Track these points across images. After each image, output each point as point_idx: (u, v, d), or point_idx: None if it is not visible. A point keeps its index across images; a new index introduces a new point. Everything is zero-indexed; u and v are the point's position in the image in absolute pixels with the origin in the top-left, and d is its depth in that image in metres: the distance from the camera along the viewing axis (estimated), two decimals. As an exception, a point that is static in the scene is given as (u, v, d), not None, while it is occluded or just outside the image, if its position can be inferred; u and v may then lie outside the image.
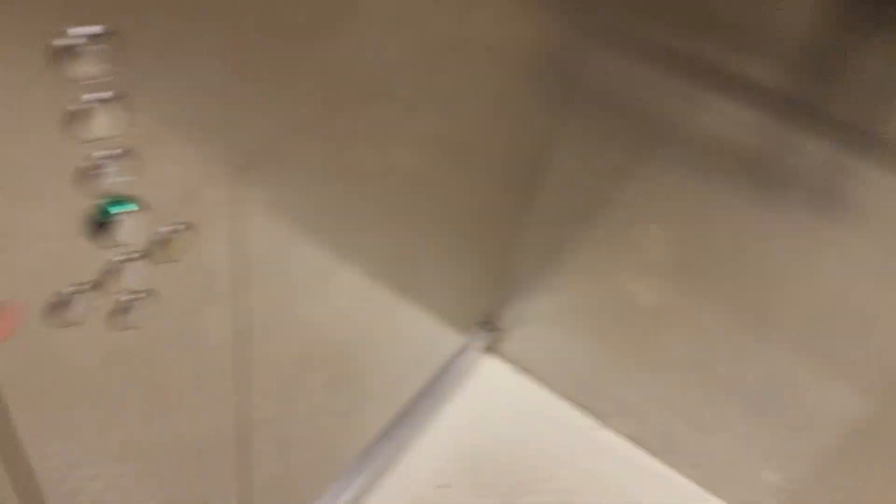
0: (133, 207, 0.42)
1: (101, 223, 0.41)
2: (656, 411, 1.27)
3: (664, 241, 1.08)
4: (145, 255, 0.45)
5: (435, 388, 1.22)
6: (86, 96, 0.35)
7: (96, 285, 0.43)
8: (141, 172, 0.41)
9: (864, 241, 0.91)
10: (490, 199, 1.02)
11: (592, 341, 1.27)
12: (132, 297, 0.47)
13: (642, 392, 1.26)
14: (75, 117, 0.35)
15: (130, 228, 0.42)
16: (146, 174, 0.42)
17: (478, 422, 1.31)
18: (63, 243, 0.40)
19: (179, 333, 0.54)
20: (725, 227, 1.02)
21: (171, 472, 0.65)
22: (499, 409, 1.35)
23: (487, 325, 1.38)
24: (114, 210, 0.41)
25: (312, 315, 0.72)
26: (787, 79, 0.89)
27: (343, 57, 0.54)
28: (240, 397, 0.67)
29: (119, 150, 0.39)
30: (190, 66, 0.41)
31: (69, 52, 0.33)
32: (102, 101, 0.36)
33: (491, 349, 1.42)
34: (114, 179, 0.40)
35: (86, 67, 0.34)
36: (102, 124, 0.37)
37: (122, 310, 0.47)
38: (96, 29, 0.34)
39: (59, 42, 0.32)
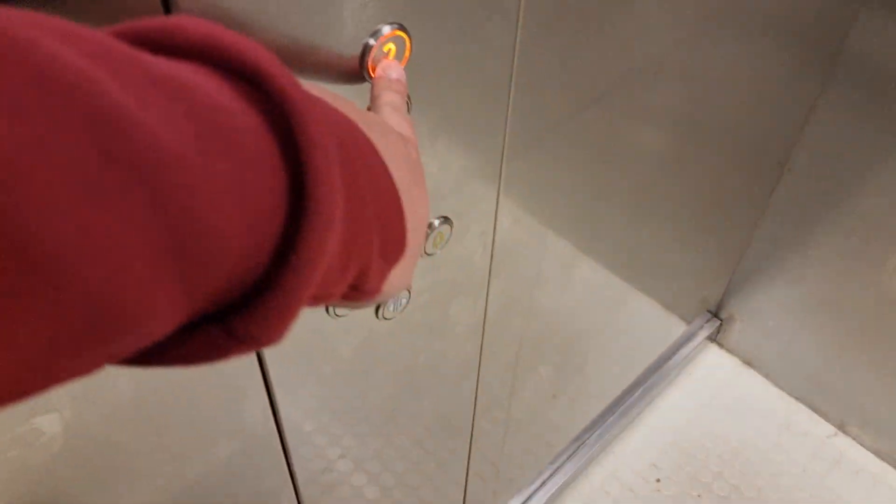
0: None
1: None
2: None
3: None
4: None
5: (654, 376, 1.16)
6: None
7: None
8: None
9: None
10: (730, 181, 0.93)
11: (837, 339, 1.14)
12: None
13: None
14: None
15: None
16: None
17: (696, 415, 1.23)
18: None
19: (430, 323, 0.54)
20: None
21: (409, 446, 0.66)
22: (720, 403, 1.26)
23: (713, 314, 1.28)
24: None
25: (550, 305, 0.70)
26: None
27: (625, 36, 0.50)
28: (476, 381, 0.66)
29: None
30: (467, 63, 0.39)
31: (371, 50, 0.32)
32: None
33: (715, 339, 1.32)
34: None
35: (381, 65, 0.33)
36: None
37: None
38: (392, 28, 0.32)
39: (370, 41, 0.31)
